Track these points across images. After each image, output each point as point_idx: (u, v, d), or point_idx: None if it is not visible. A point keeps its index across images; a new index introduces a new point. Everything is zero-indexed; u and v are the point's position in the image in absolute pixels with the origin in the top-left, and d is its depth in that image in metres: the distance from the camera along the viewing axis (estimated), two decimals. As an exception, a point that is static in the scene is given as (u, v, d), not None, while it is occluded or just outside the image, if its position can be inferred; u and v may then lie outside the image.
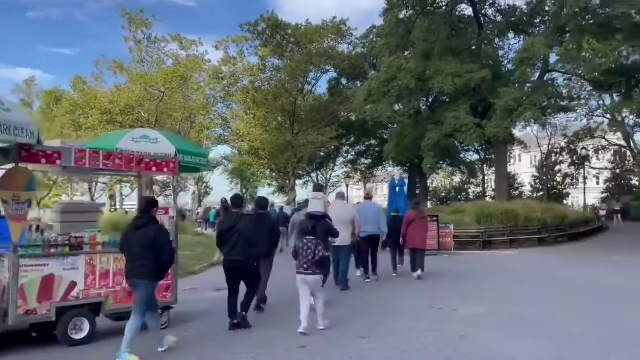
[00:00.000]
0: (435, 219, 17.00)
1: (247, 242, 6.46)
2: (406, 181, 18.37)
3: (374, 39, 37.09)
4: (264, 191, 51.92)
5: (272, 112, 36.63)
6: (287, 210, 18.54)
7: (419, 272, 11.21)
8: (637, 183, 40.14)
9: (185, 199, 57.62)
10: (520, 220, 19.82)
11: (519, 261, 15.18)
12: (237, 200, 7.13)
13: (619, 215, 32.37)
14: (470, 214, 20.20)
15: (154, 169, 6.30)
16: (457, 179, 51.96)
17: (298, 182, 44.62)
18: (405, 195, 17.74)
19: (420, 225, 11.43)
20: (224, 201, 15.36)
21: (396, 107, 30.60)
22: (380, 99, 26.20)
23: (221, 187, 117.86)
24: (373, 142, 41.82)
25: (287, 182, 39.16)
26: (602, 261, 14.58)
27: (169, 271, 6.18)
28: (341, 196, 11.16)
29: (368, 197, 12.19)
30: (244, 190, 54.31)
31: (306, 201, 11.01)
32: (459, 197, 48.61)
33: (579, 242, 20.82)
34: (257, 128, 37.30)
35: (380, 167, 45.48)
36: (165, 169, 6.36)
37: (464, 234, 18.74)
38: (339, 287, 9.72)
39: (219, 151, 50.65)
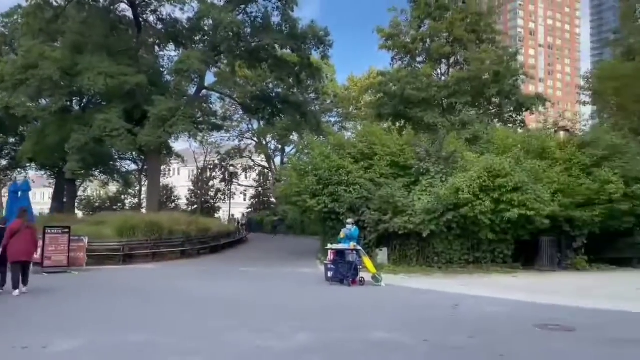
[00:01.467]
0: (66, 231, 14.95)
1: None
2: (31, 186, 15.58)
3: (20, 20, 31.57)
4: None
5: None
6: None
7: (23, 289, 9.95)
8: (274, 200, 45.96)
9: None
10: (164, 233, 19.51)
11: (155, 276, 14.58)
12: None
13: (244, 228, 36.62)
14: (111, 226, 18.70)
15: None
16: (114, 188, 49.11)
17: None
18: (29, 202, 14.84)
19: (25, 235, 10.01)
20: None
21: (44, 102, 26.53)
22: (16, 87, 22.32)
23: None
24: (12, 140, 36.25)
25: None
26: (233, 273, 15.38)
27: None
28: None
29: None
30: None
31: None
32: (115, 207, 46.14)
33: (219, 253, 21.89)
34: None
35: (20, 170, 39.07)
36: None
37: (103, 247, 17.17)
38: None
39: None
